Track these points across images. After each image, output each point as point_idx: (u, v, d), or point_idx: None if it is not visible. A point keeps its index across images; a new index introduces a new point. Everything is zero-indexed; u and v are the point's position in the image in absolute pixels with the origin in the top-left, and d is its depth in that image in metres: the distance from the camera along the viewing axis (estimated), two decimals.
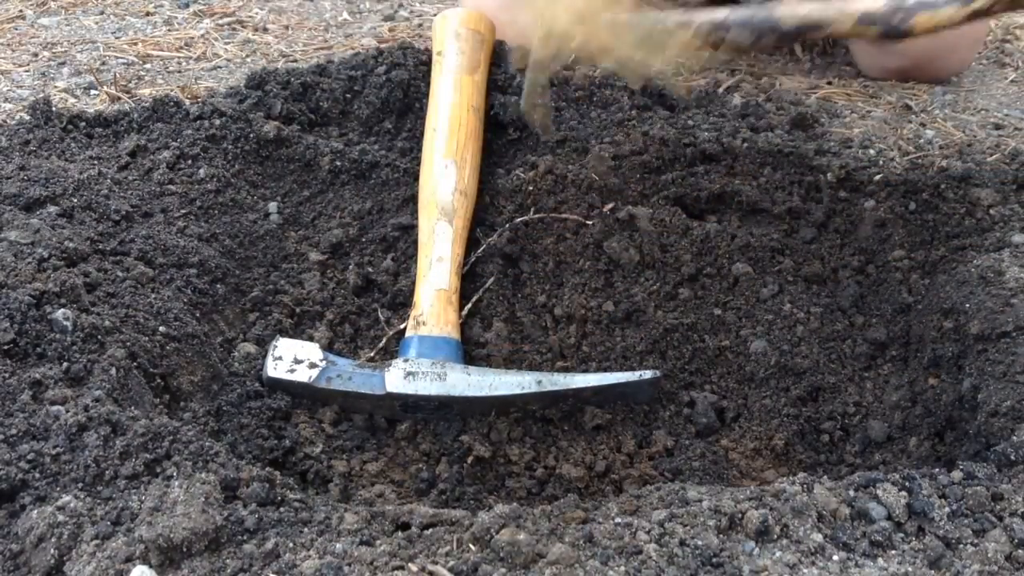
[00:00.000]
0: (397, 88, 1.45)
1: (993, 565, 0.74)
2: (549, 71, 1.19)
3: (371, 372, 1.11)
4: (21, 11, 2.07)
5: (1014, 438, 0.87)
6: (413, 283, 1.22)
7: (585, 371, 1.16)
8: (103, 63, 1.81)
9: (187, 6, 2.11)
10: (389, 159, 1.38)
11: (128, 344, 1.01)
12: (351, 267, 1.28)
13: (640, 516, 0.79)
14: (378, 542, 0.76)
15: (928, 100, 1.72)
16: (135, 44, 1.90)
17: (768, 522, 0.76)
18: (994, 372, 1.00)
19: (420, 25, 2.08)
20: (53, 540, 0.75)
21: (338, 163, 1.38)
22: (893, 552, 0.76)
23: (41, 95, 1.56)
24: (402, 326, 1.19)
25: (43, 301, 0.99)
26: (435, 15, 1.57)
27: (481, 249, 1.25)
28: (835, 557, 0.75)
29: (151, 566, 0.72)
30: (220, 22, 2.04)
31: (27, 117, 1.42)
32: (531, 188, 1.28)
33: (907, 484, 0.80)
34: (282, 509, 0.80)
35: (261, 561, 0.74)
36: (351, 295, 1.25)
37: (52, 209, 1.17)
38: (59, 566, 0.74)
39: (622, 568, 0.73)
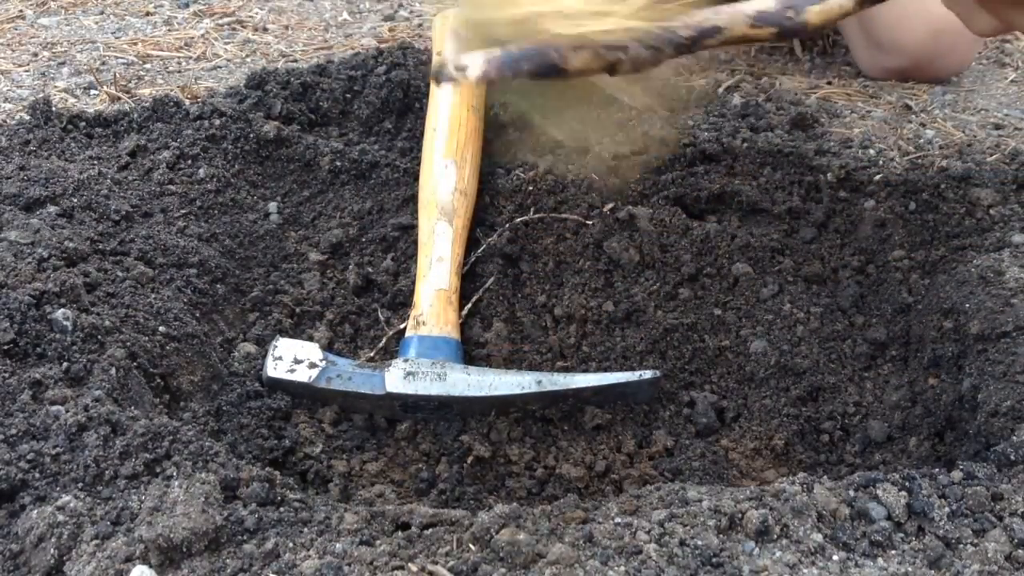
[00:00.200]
0: (397, 88, 1.45)
1: (993, 565, 0.74)
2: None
3: (371, 372, 1.11)
4: (21, 11, 2.07)
5: (1014, 438, 0.87)
6: (413, 283, 1.22)
7: (585, 371, 1.16)
8: (103, 63, 1.81)
9: (187, 6, 2.11)
10: (389, 159, 1.38)
11: (128, 344, 1.01)
12: (351, 267, 1.28)
13: (640, 516, 0.79)
14: (378, 542, 0.76)
15: (928, 100, 1.72)
16: (135, 44, 1.90)
17: (768, 522, 0.76)
18: (994, 372, 1.00)
19: (420, 25, 2.08)
20: (53, 540, 0.75)
21: (338, 163, 1.38)
22: (893, 552, 0.76)
23: (41, 95, 1.56)
24: (402, 326, 1.19)
25: (43, 301, 0.99)
26: (435, 15, 1.57)
27: (481, 249, 1.25)
28: (835, 557, 0.75)
29: (151, 566, 0.72)
30: (220, 22, 2.04)
31: (27, 117, 1.42)
32: (531, 188, 1.28)
33: (907, 484, 0.80)
34: (282, 509, 0.80)
35: (261, 561, 0.74)
36: (351, 295, 1.25)
37: (52, 209, 1.17)
38: (59, 566, 0.74)
39: (622, 568, 0.73)
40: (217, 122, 1.38)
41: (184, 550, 0.73)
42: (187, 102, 1.47)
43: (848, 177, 1.33)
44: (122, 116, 1.43)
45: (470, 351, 1.18)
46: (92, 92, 1.68)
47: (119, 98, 1.63)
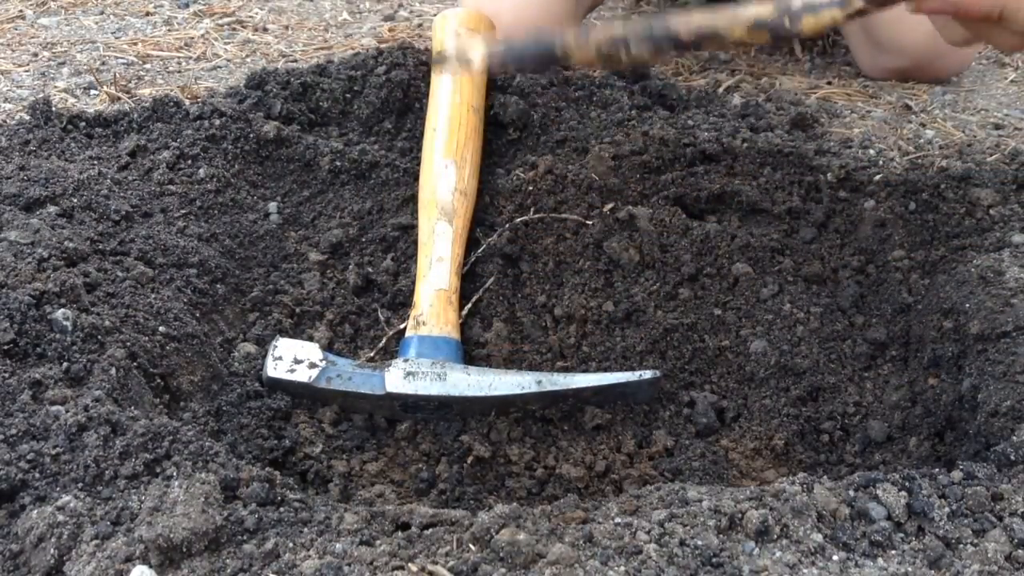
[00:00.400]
0: (397, 88, 1.45)
1: (993, 565, 0.74)
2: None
3: (371, 372, 1.11)
4: (21, 11, 2.07)
5: (1014, 438, 0.87)
6: (413, 283, 1.22)
7: (585, 371, 1.16)
8: (103, 63, 1.81)
9: (187, 6, 2.11)
10: (389, 159, 1.38)
11: (128, 344, 1.01)
12: (351, 267, 1.28)
13: (640, 516, 0.79)
14: (378, 542, 0.76)
15: (928, 100, 1.72)
16: (135, 44, 1.90)
17: (768, 522, 0.76)
18: (994, 372, 1.00)
19: (420, 25, 2.08)
20: (53, 540, 0.75)
21: (338, 163, 1.38)
22: (893, 552, 0.76)
23: (41, 95, 1.56)
24: (402, 326, 1.19)
25: (43, 301, 0.99)
26: (435, 15, 1.57)
27: (481, 249, 1.25)
28: (835, 557, 0.75)
29: (151, 566, 0.72)
30: (220, 22, 2.04)
31: (27, 117, 1.42)
32: (531, 188, 1.28)
33: (907, 484, 0.80)
34: (282, 509, 0.80)
35: (261, 561, 0.74)
36: (351, 295, 1.25)
37: (52, 209, 1.17)
38: (59, 566, 0.74)
39: (622, 568, 0.73)
40: (217, 122, 1.38)
41: (184, 550, 0.73)
42: (187, 102, 1.47)
43: (848, 177, 1.33)
44: (122, 116, 1.43)
45: (470, 351, 1.18)
46: (92, 92, 1.68)
47: (119, 98, 1.63)
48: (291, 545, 0.75)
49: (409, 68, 1.47)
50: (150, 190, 1.29)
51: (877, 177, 1.34)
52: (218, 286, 1.21)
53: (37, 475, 0.81)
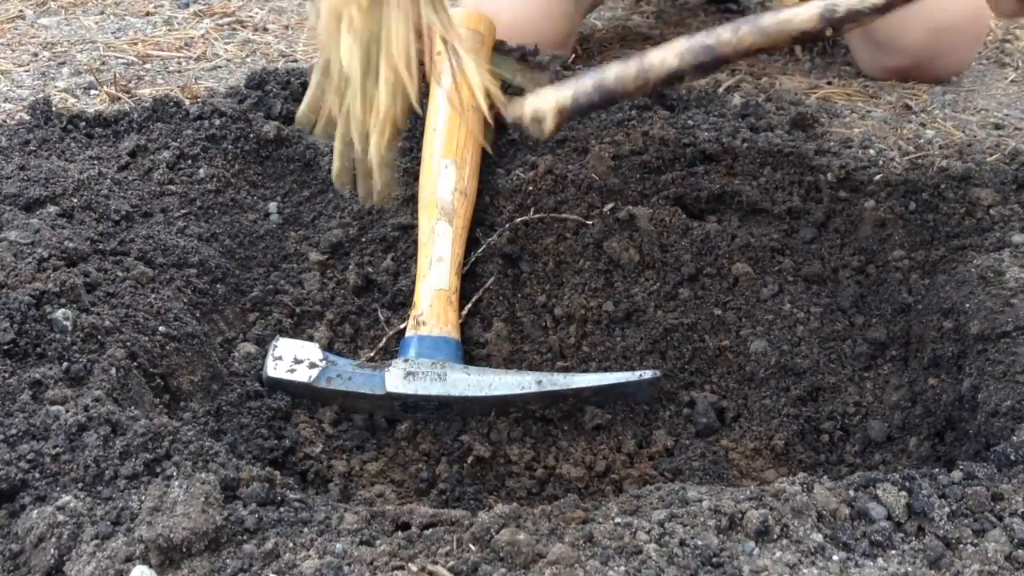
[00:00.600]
0: None
1: (993, 565, 0.74)
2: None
3: (371, 372, 1.11)
4: (21, 11, 2.07)
5: (1014, 438, 0.87)
6: (413, 283, 1.22)
7: (585, 371, 1.16)
8: (103, 63, 1.81)
9: (187, 6, 2.11)
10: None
11: (128, 344, 1.01)
12: (351, 267, 1.28)
13: (640, 516, 0.79)
14: (378, 542, 0.76)
15: (928, 100, 1.72)
16: (135, 44, 1.90)
17: (768, 522, 0.76)
18: (994, 372, 1.00)
19: None
20: (53, 540, 0.75)
21: None
22: (893, 552, 0.76)
23: (41, 95, 1.56)
24: (402, 326, 1.19)
25: (43, 301, 0.99)
26: None
27: (481, 249, 1.25)
28: (835, 557, 0.75)
29: (151, 566, 0.72)
30: (220, 22, 2.04)
31: (27, 117, 1.42)
32: (531, 188, 1.28)
33: (907, 484, 0.80)
34: (282, 509, 0.80)
35: (261, 561, 0.74)
36: (351, 295, 1.25)
37: (52, 209, 1.17)
38: (59, 566, 0.74)
39: (622, 568, 0.73)
40: (217, 122, 1.38)
41: (184, 550, 0.73)
42: (187, 102, 1.47)
43: (848, 177, 1.33)
44: (122, 116, 1.43)
45: (470, 351, 1.18)
46: (92, 92, 1.68)
47: (119, 98, 1.63)
48: (291, 545, 0.75)
49: None
50: (150, 190, 1.29)
51: (877, 177, 1.34)
52: (218, 286, 1.21)
53: (37, 475, 0.81)
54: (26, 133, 1.37)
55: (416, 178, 1.32)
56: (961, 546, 0.76)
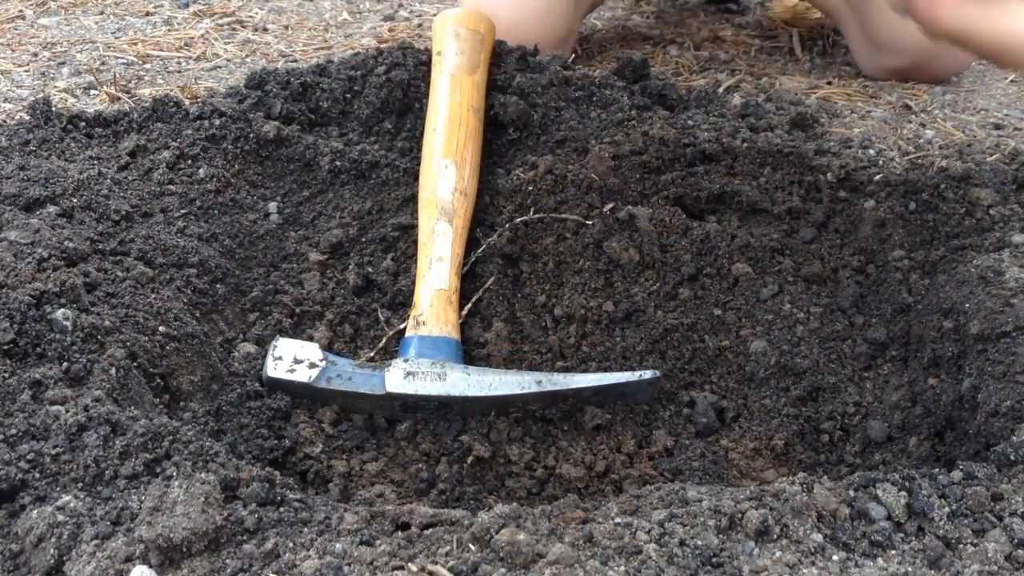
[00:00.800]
0: (397, 88, 1.45)
1: (993, 565, 0.74)
2: None
3: (371, 372, 1.11)
4: (21, 11, 2.07)
5: (1014, 438, 0.87)
6: (413, 283, 1.22)
7: (585, 371, 1.16)
8: (103, 63, 1.81)
9: (187, 6, 2.11)
10: (389, 159, 1.38)
11: (128, 344, 1.01)
12: (351, 267, 1.28)
13: (640, 516, 0.79)
14: (378, 542, 0.76)
15: (928, 100, 1.72)
16: (135, 44, 1.90)
17: (768, 522, 0.76)
18: (994, 372, 1.00)
19: (420, 25, 2.08)
20: (53, 540, 0.75)
21: (338, 163, 1.38)
22: (893, 552, 0.76)
23: (41, 95, 1.56)
24: (402, 326, 1.19)
25: (43, 301, 0.99)
26: (435, 15, 1.57)
27: (481, 249, 1.25)
28: (835, 557, 0.75)
29: (151, 566, 0.72)
30: (220, 22, 2.04)
31: (27, 117, 1.42)
32: (531, 188, 1.28)
33: (907, 484, 0.80)
34: (282, 509, 0.80)
35: (261, 561, 0.74)
36: (351, 295, 1.25)
37: (52, 209, 1.17)
38: (59, 566, 0.74)
39: (622, 568, 0.73)
40: (217, 122, 1.38)
41: (184, 550, 0.73)
42: (187, 102, 1.47)
43: (848, 177, 1.33)
44: (122, 116, 1.43)
45: (470, 351, 1.18)
46: (92, 92, 1.68)
47: (119, 98, 1.63)
48: (291, 545, 0.75)
49: (409, 68, 1.47)
50: (150, 190, 1.29)
51: (877, 177, 1.34)
52: (218, 286, 1.21)
53: (37, 475, 0.81)
54: (26, 133, 1.37)
55: (416, 178, 1.32)
56: (961, 546, 0.76)
